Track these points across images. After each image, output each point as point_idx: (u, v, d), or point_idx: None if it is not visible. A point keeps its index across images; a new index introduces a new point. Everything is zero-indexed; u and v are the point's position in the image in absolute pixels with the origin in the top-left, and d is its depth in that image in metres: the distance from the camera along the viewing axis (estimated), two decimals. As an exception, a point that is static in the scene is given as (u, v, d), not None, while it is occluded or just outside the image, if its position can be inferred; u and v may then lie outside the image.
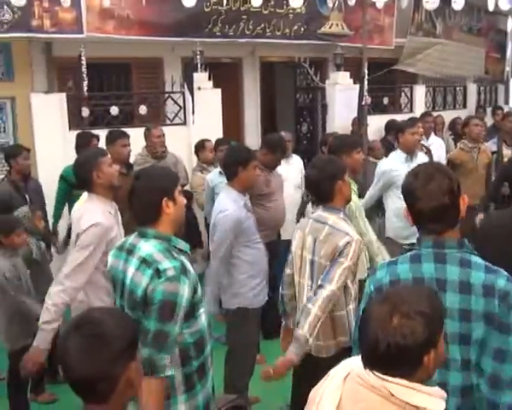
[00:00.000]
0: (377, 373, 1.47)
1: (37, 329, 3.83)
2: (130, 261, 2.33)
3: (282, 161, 5.71)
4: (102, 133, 5.53)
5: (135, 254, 2.31)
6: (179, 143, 6.59)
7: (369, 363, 1.50)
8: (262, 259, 3.86)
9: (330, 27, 7.57)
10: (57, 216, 5.46)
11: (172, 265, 2.20)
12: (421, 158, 4.96)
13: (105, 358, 1.45)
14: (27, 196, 5.05)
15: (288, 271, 3.31)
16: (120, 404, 1.53)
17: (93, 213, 3.13)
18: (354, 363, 1.58)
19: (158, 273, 2.18)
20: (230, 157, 3.89)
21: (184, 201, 2.47)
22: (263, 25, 7.74)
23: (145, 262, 2.25)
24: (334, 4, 7.60)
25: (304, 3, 7.65)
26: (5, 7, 6.23)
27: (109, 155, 3.38)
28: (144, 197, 2.34)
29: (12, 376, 3.91)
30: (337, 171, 3.05)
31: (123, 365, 1.48)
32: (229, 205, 3.66)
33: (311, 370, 2.94)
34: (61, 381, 4.41)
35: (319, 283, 2.90)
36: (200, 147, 6.07)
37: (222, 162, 4.28)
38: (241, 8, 7.51)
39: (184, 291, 2.19)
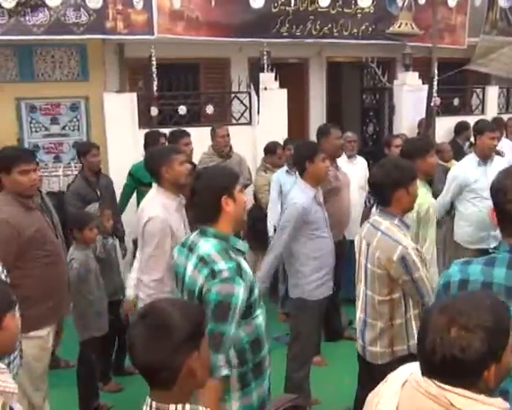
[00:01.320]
0: (437, 382, 1.42)
1: (106, 323, 4.01)
2: (190, 259, 2.38)
3: (347, 162, 5.68)
4: (169, 132, 5.69)
5: (194, 253, 2.37)
6: (244, 142, 6.65)
7: (428, 371, 1.45)
8: (328, 253, 3.87)
9: (399, 27, 7.42)
10: (121, 211, 5.63)
11: (228, 266, 2.23)
12: (499, 162, 4.71)
13: (166, 348, 1.49)
14: (98, 192, 5.24)
15: None
16: (184, 393, 1.57)
17: (152, 207, 3.25)
18: (413, 369, 1.54)
19: (213, 274, 2.22)
20: (297, 153, 4.01)
21: (245, 199, 2.49)
22: (330, 25, 7.69)
23: (202, 261, 2.29)
24: (403, 3, 7.45)
25: (372, 3, 7.56)
26: (81, 9, 6.50)
27: (182, 154, 3.45)
28: (204, 196, 2.39)
29: (82, 364, 4.07)
30: (403, 179, 2.93)
31: (184, 355, 1.52)
32: (298, 195, 3.78)
33: (369, 376, 2.91)
34: (126, 372, 4.57)
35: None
36: (270, 151, 6.08)
37: (291, 160, 4.38)
38: (309, 9, 7.50)
39: (239, 292, 2.21)
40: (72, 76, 7.46)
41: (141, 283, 3.33)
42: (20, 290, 2.79)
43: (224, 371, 2.22)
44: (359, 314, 3.15)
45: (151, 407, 1.55)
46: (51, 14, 6.43)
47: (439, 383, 1.42)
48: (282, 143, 6.11)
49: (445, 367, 1.40)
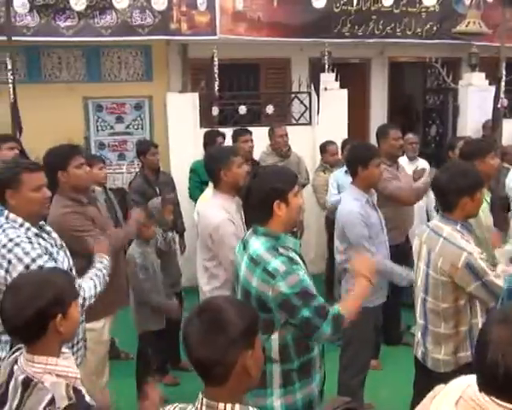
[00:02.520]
0: (496, 400, 1.32)
1: (163, 318, 4.07)
2: (243, 256, 2.41)
3: (408, 163, 5.58)
4: (229, 132, 5.76)
5: (246, 251, 2.39)
6: (304, 142, 6.65)
7: (486, 388, 1.34)
8: (382, 259, 3.78)
9: (467, 26, 7.19)
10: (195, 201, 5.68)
11: (280, 260, 2.25)
12: None
13: (219, 345, 1.51)
14: (158, 189, 5.36)
15: None
16: (236, 392, 1.58)
17: (216, 211, 3.26)
18: (467, 383, 1.43)
19: (269, 274, 2.23)
20: (351, 156, 3.87)
21: (300, 202, 2.45)
22: (393, 24, 7.56)
23: (253, 261, 2.31)
24: (471, 1, 7.22)
25: (437, 1, 7.37)
26: (147, 11, 6.68)
27: (240, 157, 3.45)
28: (257, 197, 2.39)
29: (140, 357, 4.18)
30: (469, 187, 2.82)
31: (238, 352, 1.53)
32: (351, 204, 3.65)
33: (427, 384, 2.84)
34: (182, 368, 4.66)
35: None
36: (323, 149, 6.08)
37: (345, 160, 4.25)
38: (372, 8, 7.40)
39: (303, 275, 2.26)
40: (137, 76, 7.68)
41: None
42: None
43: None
44: (419, 320, 3.08)
45: (202, 403, 1.57)
46: (118, 17, 6.64)
47: (499, 401, 1.32)
48: (340, 143, 6.06)
49: (508, 384, 1.30)
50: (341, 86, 7.15)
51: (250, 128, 5.75)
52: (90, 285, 2.79)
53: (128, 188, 5.77)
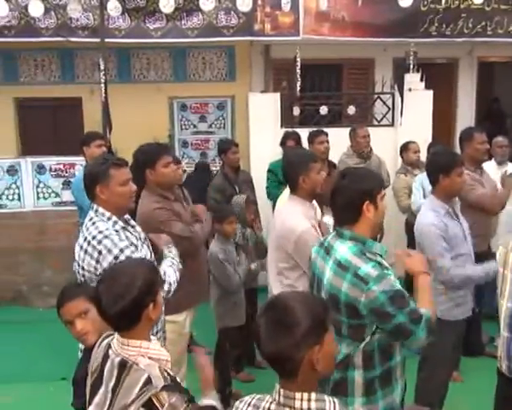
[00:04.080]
0: None
1: (243, 314, 4.13)
2: (327, 261, 2.37)
3: (496, 168, 5.34)
4: (305, 132, 5.74)
5: (331, 256, 2.35)
6: (385, 144, 6.52)
7: None
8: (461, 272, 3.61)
9: None
10: (274, 202, 5.74)
11: (371, 265, 2.20)
12: None
13: (287, 341, 1.55)
14: (237, 187, 5.45)
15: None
16: (308, 383, 1.61)
17: (299, 219, 3.20)
18: None
19: (361, 279, 2.18)
20: (432, 163, 3.67)
21: (385, 205, 2.41)
22: (484, 23, 7.27)
23: (341, 266, 2.26)
24: None
25: (533, -2, 7.02)
26: (232, 13, 6.81)
27: (319, 162, 3.41)
28: (346, 197, 2.34)
29: (218, 351, 4.27)
30: None
31: (305, 349, 1.56)
32: (428, 216, 3.48)
33: (509, 397, 2.72)
34: (258, 365, 4.71)
35: None
36: (404, 148, 5.95)
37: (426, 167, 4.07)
38: (461, 6, 7.16)
39: (394, 280, 2.21)
40: (221, 76, 7.85)
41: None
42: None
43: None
44: (503, 332, 2.94)
45: (279, 393, 1.62)
46: (204, 18, 6.82)
47: None
48: (426, 147, 5.91)
49: None
50: (427, 87, 6.96)
51: (330, 129, 5.71)
52: (171, 271, 2.89)
53: (208, 185, 5.90)
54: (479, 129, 4.72)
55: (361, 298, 2.18)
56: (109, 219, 2.76)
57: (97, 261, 2.64)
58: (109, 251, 2.64)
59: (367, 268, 2.19)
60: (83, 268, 2.69)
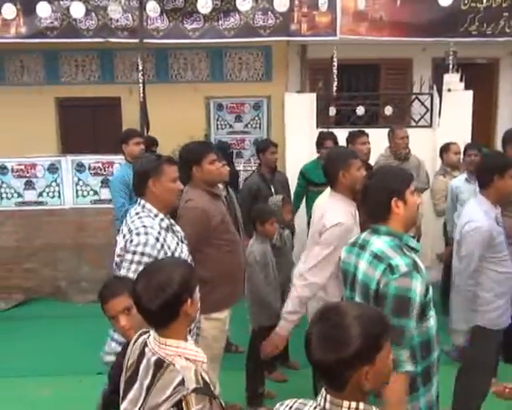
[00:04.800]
0: None
1: (277, 313, 4.15)
2: (361, 256, 2.39)
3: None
4: (342, 133, 5.71)
5: (367, 250, 2.37)
6: (423, 145, 6.43)
7: None
8: (509, 278, 3.54)
9: None
10: (295, 210, 5.77)
11: (404, 261, 2.21)
12: None
13: (336, 356, 1.49)
14: (273, 188, 5.45)
15: None
16: (356, 396, 1.55)
17: (336, 212, 3.21)
18: None
19: (391, 269, 2.21)
20: (486, 164, 3.60)
21: (418, 201, 2.41)
22: (526, 22, 7.10)
23: (377, 257, 2.29)
24: None
25: None
26: (269, 13, 6.82)
27: (359, 160, 3.40)
28: (375, 196, 2.39)
29: (252, 351, 4.27)
30: None
31: (354, 368, 1.50)
32: (479, 216, 3.40)
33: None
34: (290, 366, 4.71)
35: None
36: (444, 149, 5.84)
37: (475, 169, 3.98)
38: (503, 5, 6.99)
39: (417, 287, 2.17)
40: (257, 77, 7.87)
41: (302, 281, 3.31)
42: (204, 273, 3.07)
43: (408, 367, 2.18)
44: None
45: (325, 399, 1.57)
46: (241, 19, 6.84)
47: None
48: (463, 147, 5.79)
49: None
50: (466, 87, 6.83)
51: (367, 129, 5.66)
52: None
53: (242, 184, 5.92)
54: None
55: (388, 288, 2.19)
56: (156, 215, 2.85)
57: (125, 246, 2.73)
58: (136, 245, 2.71)
59: (400, 261, 2.22)
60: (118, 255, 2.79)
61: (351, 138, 5.35)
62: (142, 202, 2.88)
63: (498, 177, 3.40)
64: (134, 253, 2.70)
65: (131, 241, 2.72)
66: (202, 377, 1.82)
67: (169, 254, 2.78)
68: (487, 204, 3.44)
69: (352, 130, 5.67)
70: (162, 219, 2.86)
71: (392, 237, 2.33)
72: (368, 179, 2.48)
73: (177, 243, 2.91)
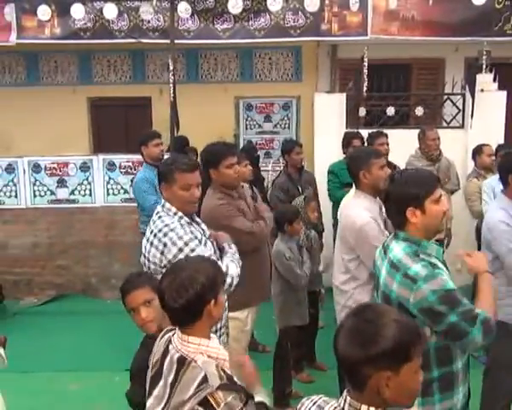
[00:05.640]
0: None
1: (306, 314, 4.14)
2: (383, 261, 2.37)
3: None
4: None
5: (387, 256, 2.34)
6: (455, 146, 6.33)
7: None
8: None
9: None
10: (338, 203, 5.70)
11: (421, 265, 2.17)
12: None
13: (361, 354, 1.47)
14: (300, 188, 5.45)
15: None
16: (376, 401, 1.51)
17: (360, 211, 3.24)
18: None
19: (410, 279, 2.16)
20: (504, 163, 3.62)
21: (441, 209, 2.29)
22: (563, 20, 6.93)
23: (394, 266, 2.26)
24: None
25: None
26: (299, 13, 6.80)
27: (383, 158, 3.40)
28: (393, 202, 2.34)
29: (279, 351, 4.28)
30: None
31: (376, 368, 1.46)
32: (497, 214, 3.42)
33: None
34: (317, 367, 4.70)
35: None
36: (477, 151, 5.75)
37: (497, 168, 3.98)
38: (540, 3, 6.85)
39: (446, 279, 2.16)
40: (287, 77, 7.87)
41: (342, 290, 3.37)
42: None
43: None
44: None
45: (345, 400, 1.56)
46: (271, 19, 6.84)
47: None
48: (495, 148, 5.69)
49: None
50: (500, 88, 6.70)
51: (397, 130, 5.62)
52: (232, 266, 2.93)
53: (272, 185, 5.93)
54: None
55: (410, 298, 2.16)
56: (175, 214, 2.85)
57: (162, 253, 2.74)
58: (174, 243, 2.73)
59: (417, 267, 2.18)
60: (148, 260, 2.79)
61: (370, 139, 5.35)
62: (163, 201, 2.91)
63: None
64: (180, 250, 2.71)
65: (165, 245, 2.72)
66: (225, 372, 1.83)
67: (197, 242, 2.79)
68: (507, 202, 3.43)
69: (371, 131, 5.60)
70: (181, 217, 2.84)
71: (409, 242, 2.28)
72: (390, 183, 2.40)
73: (202, 237, 2.91)
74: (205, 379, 1.77)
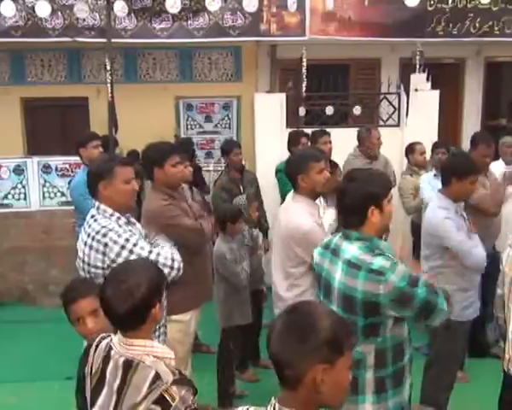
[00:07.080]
0: None
1: (249, 313, 4.12)
2: (335, 263, 2.38)
3: (505, 168, 5.31)
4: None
5: (340, 257, 2.36)
6: (391, 144, 6.49)
7: None
8: (474, 272, 3.61)
9: None
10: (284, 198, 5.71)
11: (381, 258, 2.24)
12: None
13: (294, 347, 1.48)
14: (242, 188, 5.45)
15: (499, 291, 3.06)
16: (308, 402, 1.51)
17: (303, 216, 3.19)
18: None
19: (377, 272, 2.20)
20: (448, 165, 3.71)
21: (392, 209, 2.41)
22: (491, 22, 7.22)
23: (353, 266, 2.28)
24: None
25: (541, -2, 6.98)
26: (238, 13, 6.80)
27: (323, 162, 3.33)
28: (352, 201, 2.35)
29: (222, 351, 4.27)
30: None
31: (311, 362, 1.47)
32: (440, 213, 3.52)
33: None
34: (262, 365, 4.70)
35: None
36: (410, 149, 5.91)
37: (440, 167, 4.08)
38: (468, 6, 7.11)
39: (403, 266, 2.27)
40: (227, 77, 7.85)
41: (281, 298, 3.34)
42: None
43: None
44: (510, 335, 2.93)
45: (274, 407, 1.53)
46: (210, 19, 6.81)
47: None
48: (431, 146, 5.88)
49: None
50: (433, 87, 6.93)
51: (337, 129, 5.71)
52: (166, 249, 2.92)
53: (214, 185, 5.90)
54: (485, 139, 4.66)
55: (379, 291, 2.20)
56: (112, 215, 2.81)
57: (104, 254, 2.69)
58: (115, 242, 2.70)
59: (379, 261, 2.23)
60: (88, 264, 2.72)
61: (313, 138, 5.40)
62: (97, 203, 2.84)
63: (456, 180, 3.50)
64: (122, 247, 2.68)
65: (106, 245, 2.68)
66: (175, 368, 1.82)
67: (138, 236, 2.79)
68: (445, 201, 3.55)
69: (314, 130, 5.68)
70: (119, 218, 2.82)
71: (362, 241, 2.33)
72: (346, 182, 2.43)
73: (139, 237, 2.88)
74: (157, 377, 1.76)
